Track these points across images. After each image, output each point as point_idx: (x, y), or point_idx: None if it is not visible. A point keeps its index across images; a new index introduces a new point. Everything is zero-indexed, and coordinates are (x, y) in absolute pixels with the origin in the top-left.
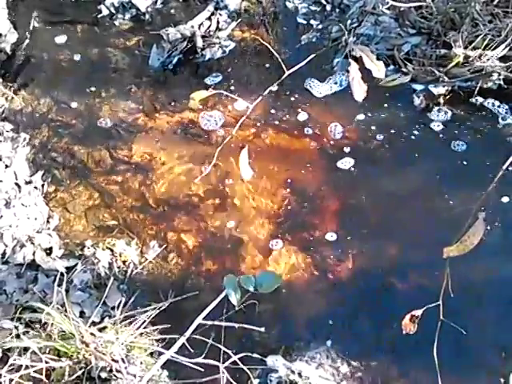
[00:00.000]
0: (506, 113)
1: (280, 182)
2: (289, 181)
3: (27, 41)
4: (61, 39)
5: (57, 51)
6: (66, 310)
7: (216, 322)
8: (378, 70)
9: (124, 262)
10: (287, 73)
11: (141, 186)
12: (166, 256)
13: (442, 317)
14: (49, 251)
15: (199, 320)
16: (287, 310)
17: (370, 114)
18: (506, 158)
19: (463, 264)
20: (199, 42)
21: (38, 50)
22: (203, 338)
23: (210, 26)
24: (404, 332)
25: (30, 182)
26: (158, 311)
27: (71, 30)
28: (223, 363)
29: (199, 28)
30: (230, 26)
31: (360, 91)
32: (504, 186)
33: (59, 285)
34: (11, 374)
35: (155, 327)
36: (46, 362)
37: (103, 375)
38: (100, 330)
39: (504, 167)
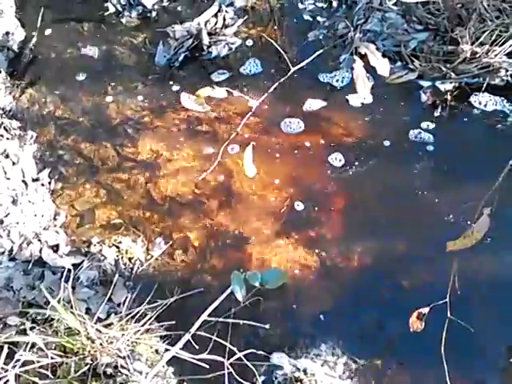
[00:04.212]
0: None
1: (285, 179)
2: (294, 178)
3: (34, 38)
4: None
5: (64, 49)
6: (72, 307)
7: (221, 319)
8: (383, 67)
9: (130, 259)
10: (292, 70)
11: (147, 184)
12: (171, 253)
13: (449, 314)
14: (55, 248)
15: (204, 316)
16: (292, 307)
17: (376, 111)
18: None
19: (470, 262)
20: (205, 40)
21: (45, 47)
22: (208, 335)
23: (216, 23)
24: (411, 330)
25: (37, 180)
26: (164, 308)
27: (78, 28)
28: (228, 359)
29: (205, 25)
30: (236, 23)
31: (364, 88)
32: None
33: (66, 281)
34: (17, 369)
35: (160, 324)
36: (52, 358)
37: (109, 371)
38: (106, 326)
39: (510, 163)
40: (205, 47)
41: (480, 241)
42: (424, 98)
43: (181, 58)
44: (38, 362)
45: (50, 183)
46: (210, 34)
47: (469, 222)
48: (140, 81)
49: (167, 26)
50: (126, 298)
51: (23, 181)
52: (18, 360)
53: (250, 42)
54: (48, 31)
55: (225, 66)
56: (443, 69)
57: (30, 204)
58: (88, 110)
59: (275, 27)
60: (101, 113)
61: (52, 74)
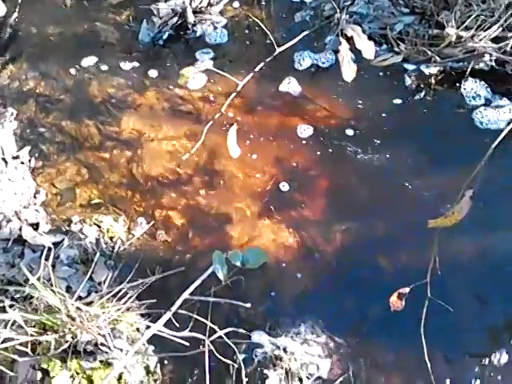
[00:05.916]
0: (496, 94)
1: (269, 160)
2: (278, 159)
3: (15, 14)
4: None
5: (45, 25)
6: (52, 285)
7: (202, 298)
8: (368, 50)
9: (111, 238)
10: (278, 50)
11: (129, 163)
12: (153, 232)
13: (429, 294)
14: (35, 226)
15: (186, 295)
16: (273, 287)
17: (361, 94)
18: (495, 138)
19: (451, 243)
20: (190, 18)
21: (26, 23)
22: (189, 314)
23: (201, 2)
24: (392, 309)
25: (17, 157)
26: (145, 287)
27: (60, 4)
28: (209, 337)
29: (190, 3)
30: (221, 1)
31: (349, 71)
32: (493, 166)
33: (46, 259)
34: None
35: (142, 302)
36: (32, 335)
37: (89, 349)
38: (86, 304)
39: (493, 146)
40: (190, 26)
41: (460, 222)
42: (408, 81)
43: (165, 37)
44: (17, 339)
45: (30, 161)
46: (195, 12)
47: (450, 205)
48: (123, 58)
49: (151, 3)
50: (107, 276)
51: (3, 158)
52: None
53: (235, 22)
54: (29, 7)
55: (209, 46)
56: (428, 52)
57: (9, 182)
58: (69, 87)
59: (261, 7)
60: (83, 90)
61: (33, 51)
